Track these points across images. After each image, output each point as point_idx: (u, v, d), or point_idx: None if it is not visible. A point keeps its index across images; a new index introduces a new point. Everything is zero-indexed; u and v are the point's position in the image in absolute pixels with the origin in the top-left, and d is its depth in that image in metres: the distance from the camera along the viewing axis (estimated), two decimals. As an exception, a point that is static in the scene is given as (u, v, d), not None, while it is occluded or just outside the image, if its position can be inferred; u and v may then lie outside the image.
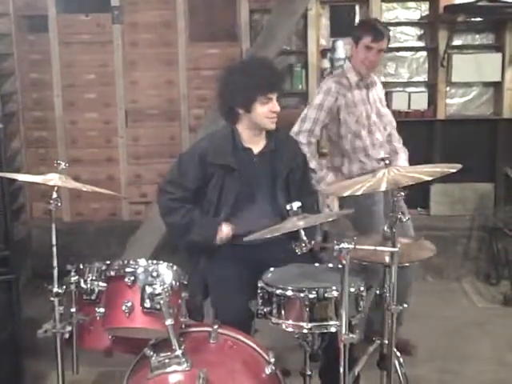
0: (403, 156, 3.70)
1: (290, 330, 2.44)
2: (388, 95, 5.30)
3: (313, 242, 2.34)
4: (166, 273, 2.32)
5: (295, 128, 3.59)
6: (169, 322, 2.18)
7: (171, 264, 2.36)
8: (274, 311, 2.45)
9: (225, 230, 2.84)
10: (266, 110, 2.85)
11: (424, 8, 5.35)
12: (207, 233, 2.85)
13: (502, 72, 5.17)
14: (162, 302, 2.19)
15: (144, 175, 5.49)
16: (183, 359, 2.19)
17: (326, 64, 5.33)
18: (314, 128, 3.53)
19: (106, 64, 5.35)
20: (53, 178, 2.48)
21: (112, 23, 5.27)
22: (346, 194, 2.43)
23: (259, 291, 2.50)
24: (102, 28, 5.29)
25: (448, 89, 5.36)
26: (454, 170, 2.43)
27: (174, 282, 2.31)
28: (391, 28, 5.30)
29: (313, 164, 3.49)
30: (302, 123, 3.57)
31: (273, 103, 2.85)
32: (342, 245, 2.15)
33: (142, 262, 2.34)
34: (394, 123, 3.80)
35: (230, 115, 2.93)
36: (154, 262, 2.35)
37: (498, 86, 5.30)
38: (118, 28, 5.28)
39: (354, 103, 3.54)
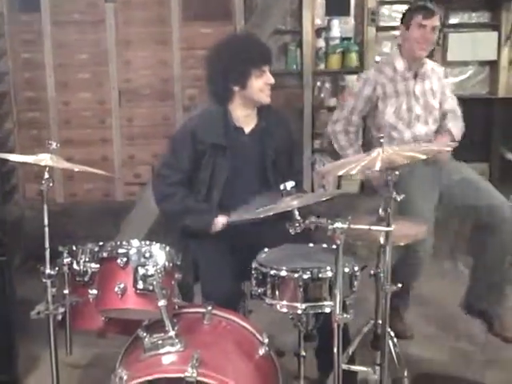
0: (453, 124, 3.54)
1: (285, 310, 2.43)
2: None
3: (307, 222, 2.32)
4: (159, 254, 2.30)
5: (334, 116, 3.62)
6: (162, 303, 2.17)
7: (164, 245, 2.35)
8: (268, 292, 2.44)
9: (220, 221, 2.82)
10: (261, 84, 2.84)
11: (420, -14, 5.30)
12: (203, 222, 2.84)
13: (498, 51, 5.16)
14: (154, 282, 2.17)
15: (138, 156, 5.46)
16: (176, 340, 2.18)
17: (321, 43, 5.31)
18: (350, 117, 3.50)
19: (99, 43, 5.30)
20: (44, 159, 2.46)
21: (105, 2, 5.22)
22: (340, 173, 2.42)
23: (253, 272, 2.49)
24: (94, 7, 5.24)
25: (444, 68, 5.31)
26: (450, 149, 2.44)
27: (166, 263, 2.30)
28: (386, 6, 5.31)
29: (347, 152, 3.48)
30: (340, 111, 3.57)
31: (267, 75, 2.85)
32: (336, 224, 2.13)
33: (135, 242, 2.32)
34: (457, 112, 3.62)
35: (224, 95, 2.90)
36: (147, 242, 2.34)
37: (493, 65, 5.29)
38: (111, 7, 5.22)
39: (395, 94, 3.42)
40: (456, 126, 3.50)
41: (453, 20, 5.26)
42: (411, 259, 3.38)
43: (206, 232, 2.83)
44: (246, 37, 3.09)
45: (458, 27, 5.26)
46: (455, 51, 5.14)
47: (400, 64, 3.43)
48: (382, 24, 5.34)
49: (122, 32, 5.29)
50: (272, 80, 2.86)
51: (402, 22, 3.43)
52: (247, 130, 2.95)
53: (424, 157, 2.34)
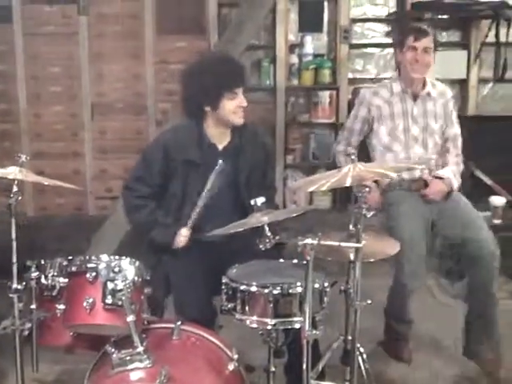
0: (450, 168, 3.46)
1: (255, 326, 2.43)
2: (355, 92, 5.33)
3: (277, 238, 2.32)
4: (129, 268, 2.29)
5: (338, 136, 3.64)
6: (130, 318, 2.15)
7: (134, 260, 2.33)
8: (238, 307, 2.44)
9: (183, 234, 2.81)
10: (233, 106, 2.82)
11: (392, 5, 5.39)
12: (166, 236, 2.84)
13: (468, 69, 5.23)
14: (123, 298, 2.15)
15: (110, 170, 5.44)
16: (145, 356, 2.16)
17: (295, 59, 5.34)
18: (350, 138, 3.50)
19: (72, 56, 5.30)
20: (12, 172, 2.43)
21: (78, 14, 5.21)
22: (311, 189, 2.43)
23: (223, 287, 2.48)
24: (67, 19, 5.24)
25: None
26: (420, 167, 2.46)
27: (136, 278, 2.28)
28: (359, 24, 5.37)
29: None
30: (341, 132, 3.57)
31: (239, 98, 2.83)
32: (307, 240, 2.14)
33: (104, 257, 2.30)
34: (458, 141, 3.56)
35: (197, 114, 2.90)
36: (117, 257, 2.31)
37: (463, 84, 5.36)
38: (84, 20, 5.22)
39: (391, 115, 3.38)
40: (454, 173, 3.44)
41: (424, 39, 5.32)
42: (400, 293, 3.43)
43: (169, 246, 2.82)
44: (221, 57, 3.06)
45: (428, 46, 5.33)
46: (426, 69, 5.20)
47: (397, 86, 3.39)
48: (354, 41, 5.40)
49: (95, 45, 5.28)
50: (245, 103, 2.84)
51: (397, 45, 3.43)
52: (220, 146, 2.94)
53: (394, 174, 2.35)
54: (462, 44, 5.34)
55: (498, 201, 4.38)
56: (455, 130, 3.50)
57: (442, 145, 3.46)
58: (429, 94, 3.36)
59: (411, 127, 3.35)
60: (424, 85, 3.37)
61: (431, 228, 3.39)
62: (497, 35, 5.05)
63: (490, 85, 5.38)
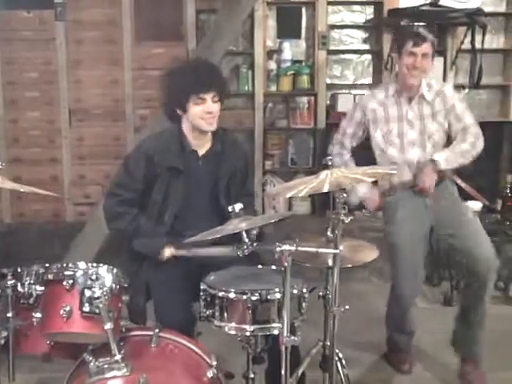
0: (443, 150, 3.28)
1: (233, 332, 2.43)
2: (333, 97, 5.38)
3: (254, 244, 2.33)
4: (106, 276, 2.27)
5: (333, 139, 3.57)
6: (108, 326, 2.14)
7: (112, 267, 2.32)
8: (217, 314, 2.44)
9: (166, 253, 2.79)
10: (199, 111, 2.80)
11: (369, 11, 5.43)
12: (151, 248, 2.81)
13: (444, 76, 5.28)
14: (101, 305, 2.14)
15: (88, 176, 5.41)
16: (122, 364, 2.15)
17: (273, 65, 5.36)
18: (343, 140, 3.45)
19: (49, 62, 5.26)
20: (-12, 179, 2.41)
21: (55, 20, 5.18)
22: (289, 195, 2.43)
23: (202, 293, 2.48)
24: (44, 25, 5.21)
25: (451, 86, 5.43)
26: (395, 172, 2.48)
27: (114, 285, 2.27)
28: (337, 31, 5.41)
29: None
30: (337, 134, 3.51)
31: (206, 104, 2.79)
32: (284, 246, 2.15)
33: (82, 264, 2.29)
34: (468, 130, 3.30)
35: (173, 116, 2.91)
36: (94, 264, 2.30)
37: (440, 90, 5.40)
38: (61, 25, 5.19)
39: (385, 118, 3.31)
40: (446, 154, 3.24)
41: (401, 45, 5.37)
42: (397, 303, 3.43)
43: (154, 257, 2.81)
44: (195, 62, 3.06)
45: (405, 52, 5.37)
46: (403, 75, 5.24)
47: (392, 88, 3.31)
48: (332, 48, 5.43)
49: (73, 51, 5.25)
50: (211, 109, 2.79)
51: (396, 50, 3.33)
52: (201, 153, 2.93)
53: (370, 180, 2.37)
54: (439, 51, 5.36)
55: (475, 206, 4.41)
56: (463, 122, 3.30)
57: (444, 143, 3.34)
58: (423, 97, 3.27)
59: (407, 132, 3.28)
60: (419, 87, 3.28)
61: (430, 234, 3.34)
62: (472, 42, 5.11)
63: (466, 91, 5.43)
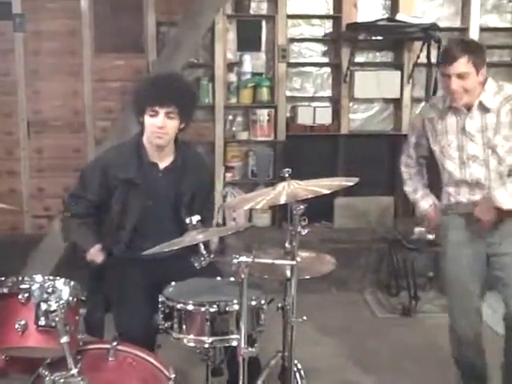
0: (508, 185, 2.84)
1: (192, 344, 2.45)
2: (293, 110, 5.43)
3: (212, 256, 2.34)
4: (63, 289, 2.26)
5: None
6: (64, 339, 2.12)
7: (69, 280, 2.30)
8: (175, 326, 2.45)
9: (91, 253, 2.82)
10: (150, 124, 2.81)
11: (328, 25, 5.49)
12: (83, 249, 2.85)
13: (401, 89, 5.37)
14: (57, 319, 2.12)
15: (47, 188, 5.35)
16: (79, 378, 2.14)
17: (233, 78, 5.38)
18: (408, 150, 3.17)
19: (8, 73, 5.20)
20: None
21: (14, 31, 5.13)
22: (246, 207, 2.45)
23: (160, 306, 2.49)
24: (2, 36, 5.14)
25: (351, 104, 5.52)
26: (352, 184, 2.49)
27: (70, 298, 2.25)
28: (296, 44, 5.47)
29: (406, 186, 3.20)
30: (404, 144, 3.23)
31: (159, 118, 2.79)
32: (241, 258, 2.16)
33: (38, 278, 2.27)
34: None
35: (139, 125, 2.93)
36: (51, 277, 2.29)
37: (397, 103, 5.51)
38: (20, 36, 5.14)
39: (443, 131, 2.93)
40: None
41: (358, 59, 5.45)
42: (454, 341, 3.11)
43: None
44: (163, 76, 3.06)
45: (363, 66, 5.46)
46: (361, 89, 5.32)
47: (448, 99, 2.91)
48: (292, 60, 5.48)
49: (32, 62, 5.20)
50: (161, 124, 2.77)
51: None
52: (162, 166, 2.94)
53: (327, 191, 2.38)
54: (396, 64, 5.48)
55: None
56: None
57: (509, 161, 2.86)
58: (482, 105, 2.82)
59: (466, 145, 2.87)
60: (481, 93, 2.83)
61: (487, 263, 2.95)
62: (428, 56, 5.21)
63: (423, 104, 5.53)
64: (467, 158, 2.87)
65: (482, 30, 5.36)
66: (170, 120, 2.80)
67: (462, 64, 2.74)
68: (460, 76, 2.75)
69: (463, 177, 2.89)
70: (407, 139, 3.19)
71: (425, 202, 3.14)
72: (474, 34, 5.32)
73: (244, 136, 5.46)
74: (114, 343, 2.37)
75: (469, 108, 2.83)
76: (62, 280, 2.28)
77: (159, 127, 2.79)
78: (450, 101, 2.86)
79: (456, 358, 3.12)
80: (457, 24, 5.51)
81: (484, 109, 2.81)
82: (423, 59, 5.25)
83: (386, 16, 5.35)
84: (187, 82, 3.13)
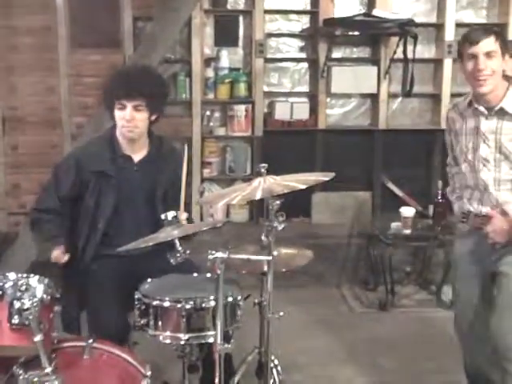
0: None
1: (168, 341, 2.43)
2: (271, 105, 5.43)
3: (187, 252, 2.33)
4: (37, 286, 2.22)
5: None
6: (38, 338, 2.10)
7: (43, 277, 2.28)
8: (151, 323, 2.44)
9: (54, 254, 2.78)
10: (119, 117, 2.81)
11: (305, 21, 5.50)
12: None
13: (378, 84, 5.39)
14: (30, 317, 2.10)
15: (23, 185, 5.31)
16: (53, 377, 2.11)
17: (210, 73, 5.37)
18: (448, 150, 2.99)
19: (-18, 69, 5.14)
20: None
21: (-13, 27, 5.08)
22: (221, 203, 2.45)
23: (136, 303, 2.48)
24: (-24, 32, 5.09)
25: (328, 100, 5.53)
26: (328, 179, 2.50)
27: (45, 296, 2.22)
28: (274, 39, 5.46)
29: (448, 187, 3.03)
30: None
31: (126, 111, 2.78)
32: (217, 254, 2.16)
33: (12, 275, 2.23)
34: None
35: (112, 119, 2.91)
36: (25, 275, 2.25)
37: (374, 98, 5.53)
38: (-6, 32, 5.09)
39: (463, 131, 2.79)
40: None
41: (336, 54, 5.46)
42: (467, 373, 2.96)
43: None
44: (129, 69, 3.06)
45: (340, 61, 5.47)
46: (338, 84, 5.33)
47: (470, 96, 2.78)
48: (269, 56, 5.48)
49: (7, 58, 5.15)
50: (129, 117, 2.77)
51: (457, 53, 2.79)
52: (136, 159, 2.92)
53: (303, 186, 2.38)
54: (372, 60, 5.50)
55: (408, 212, 4.52)
56: None
57: None
58: (503, 110, 2.66)
59: (479, 146, 2.72)
60: (504, 96, 2.68)
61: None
62: (404, 52, 5.24)
63: (399, 99, 5.56)
64: (478, 160, 2.72)
65: (458, 25, 5.39)
66: (138, 113, 2.79)
67: (490, 42, 2.61)
68: (488, 55, 2.60)
69: (474, 181, 2.75)
70: (446, 140, 3.01)
71: (456, 206, 2.93)
72: (449, 30, 5.36)
73: (221, 131, 5.45)
74: (90, 341, 2.34)
75: (488, 109, 2.69)
76: (36, 277, 2.25)
77: (127, 120, 2.79)
78: (473, 93, 2.71)
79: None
80: (433, 20, 5.55)
81: (504, 113, 2.67)
82: (400, 54, 5.28)
83: (363, 11, 5.37)
84: (155, 74, 3.08)
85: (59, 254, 2.78)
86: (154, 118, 2.89)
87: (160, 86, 2.95)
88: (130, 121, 2.78)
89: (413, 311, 4.36)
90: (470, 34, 2.66)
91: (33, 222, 2.91)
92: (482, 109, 2.69)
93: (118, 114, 2.80)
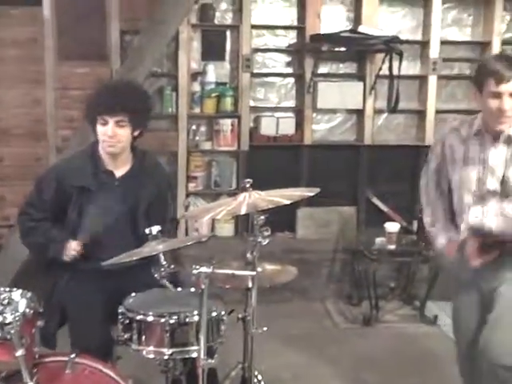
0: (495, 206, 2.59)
1: (151, 356, 2.43)
2: (257, 120, 5.44)
3: (172, 267, 2.33)
4: (20, 300, 2.22)
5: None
6: (20, 352, 2.09)
7: (26, 291, 2.27)
8: (135, 337, 2.44)
9: (72, 247, 2.78)
10: (101, 133, 2.80)
11: (292, 36, 5.52)
12: (57, 250, 2.80)
13: (364, 100, 5.42)
14: (12, 331, 2.09)
15: (8, 197, 5.27)
16: (35, 392, 2.11)
17: (197, 87, 5.37)
18: (427, 174, 2.88)
19: (-33, 80, 5.12)
20: None
21: (-27, 39, 5.07)
22: (207, 217, 2.45)
23: (120, 317, 2.47)
24: (-38, 43, 5.07)
25: (314, 115, 5.55)
26: (312, 194, 2.51)
27: (27, 310, 2.21)
28: (260, 54, 5.49)
29: (424, 215, 2.90)
30: (425, 165, 2.94)
31: (108, 126, 2.77)
32: (201, 269, 2.16)
33: (-6, 289, 2.23)
34: None
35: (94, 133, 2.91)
36: (7, 289, 2.25)
37: (360, 114, 5.56)
38: (-19, 43, 5.08)
39: (464, 159, 2.65)
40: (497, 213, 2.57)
41: (322, 69, 5.49)
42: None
43: (61, 259, 2.79)
44: (112, 84, 3.07)
45: (326, 76, 5.50)
46: (324, 99, 5.35)
47: (477, 124, 2.65)
48: (256, 70, 5.50)
49: (-8, 69, 5.14)
50: (111, 133, 2.76)
51: (473, 82, 2.62)
52: (118, 174, 2.92)
53: (288, 202, 2.39)
54: (358, 76, 5.53)
55: (393, 227, 4.54)
56: None
57: None
58: (510, 138, 2.57)
59: (486, 179, 2.60)
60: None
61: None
62: (390, 68, 5.27)
63: (385, 115, 5.60)
64: (487, 192, 2.59)
65: (443, 43, 5.44)
66: (120, 128, 2.79)
67: None
68: (511, 95, 2.48)
69: (481, 212, 2.60)
70: (427, 163, 2.88)
71: (442, 237, 2.80)
72: (434, 47, 5.41)
73: (207, 146, 5.46)
74: (72, 355, 2.34)
75: (495, 138, 2.58)
76: (19, 291, 2.25)
77: (110, 136, 2.78)
78: (486, 125, 2.59)
79: None
80: (418, 37, 5.59)
81: (511, 141, 2.56)
82: (385, 71, 5.31)
83: (349, 28, 5.40)
84: (139, 89, 3.07)
85: (75, 245, 2.77)
86: (136, 133, 2.89)
87: (143, 102, 2.94)
88: (112, 136, 2.78)
89: (397, 326, 4.38)
90: (499, 71, 2.48)
91: (24, 232, 2.91)
92: (490, 138, 2.59)
93: (100, 129, 2.79)
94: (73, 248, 2.78)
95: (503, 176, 2.56)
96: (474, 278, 2.66)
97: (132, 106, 2.80)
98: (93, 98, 2.85)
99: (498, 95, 2.48)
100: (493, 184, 2.59)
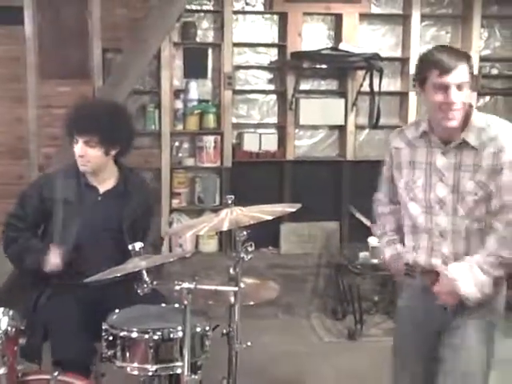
0: (474, 260, 2.27)
1: (135, 373, 2.42)
2: (239, 136, 5.47)
3: (155, 283, 2.33)
4: (1, 319, 2.21)
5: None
6: (1, 371, 2.08)
7: (8, 309, 2.26)
8: (119, 354, 2.43)
9: (52, 258, 2.78)
10: (76, 152, 2.85)
11: (273, 53, 5.59)
12: (37, 260, 2.80)
13: (345, 116, 5.48)
14: (-6, 349, 2.08)
15: (-11, 216, 5.24)
16: (18, 410, 2.09)
17: (179, 105, 5.41)
18: (381, 185, 2.66)
19: (-51, 98, 5.11)
20: None
21: (-45, 56, 5.06)
22: (189, 233, 2.46)
23: (104, 333, 2.46)
24: None
25: (296, 131, 5.60)
26: (294, 210, 2.52)
27: (9, 328, 2.20)
28: (242, 71, 5.53)
29: (375, 227, 2.71)
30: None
31: (78, 146, 2.82)
32: (183, 285, 2.16)
33: (-24, 307, 2.22)
34: (505, 215, 2.25)
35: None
36: (-11, 307, 2.24)
37: (342, 130, 5.61)
38: (-38, 61, 5.07)
39: (411, 163, 2.42)
40: (475, 270, 2.25)
41: (304, 86, 5.54)
42: None
43: (41, 269, 2.79)
44: (81, 105, 3.06)
45: (308, 93, 5.55)
46: (306, 116, 5.41)
47: (424, 125, 2.39)
48: (238, 87, 5.54)
49: (-25, 88, 5.13)
50: (81, 152, 2.81)
51: (415, 80, 2.38)
52: (102, 189, 2.94)
53: (270, 217, 2.41)
54: (340, 92, 5.60)
55: (376, 241, 4.56)
56: (504, 198, 2.26)
57: (480, 214, 2.31)
58: (465, 142, 2.30)
59: (435, 185, 2.35)
60: (464, 127, 2.31)
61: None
62: (371, 85, 5.34)
63: (366, 131, 5.66)
64: (435, 202, 2.35)
65: (422, 59, 5.53)
66: (90, 148, 2.83)
67: (463, 71, 2.24)
68: (459, 87, 2.24)
69: (428, 225, 2.37)
70: (382, 173, 2.64)
71: (387, 251, 2.58)
72: (414, 64, 5.43)
73: (190, 162, 5.48)
74: (56, 373, 2.32)
75: (445, 142, 2.33)
76: (1, 309, 2.24)
77: (80, 155, 2.84)
78: (436, 125, 2.33)
79: None
80: (398, 54, 5.68)
81: (464, 145, 2.30)
82: (366, 87, 5.38)
83: (330, 45, 5.47)
84: (111, 109, 3.03)
85: (54, 257, 2.77)
86: (113, 152, 2.90)
87: (115, 122, 2.91)
88: (82, 156, 2.83)
89: (381, 340, 4.37)
90: (443, 61, 2.23)
91: (6, 243, 2.93)
92: (438, 141, 2.34)
93: (74, 147, 2.86)
94: (52, 260, 2.78)
95: (453, 185, 2.31)
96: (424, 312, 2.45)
97: (102, 128, 2.82)
98: (67, 117, 2.91)
99: (444, 87, 2.23)
100: (442, 192, 2.34)
